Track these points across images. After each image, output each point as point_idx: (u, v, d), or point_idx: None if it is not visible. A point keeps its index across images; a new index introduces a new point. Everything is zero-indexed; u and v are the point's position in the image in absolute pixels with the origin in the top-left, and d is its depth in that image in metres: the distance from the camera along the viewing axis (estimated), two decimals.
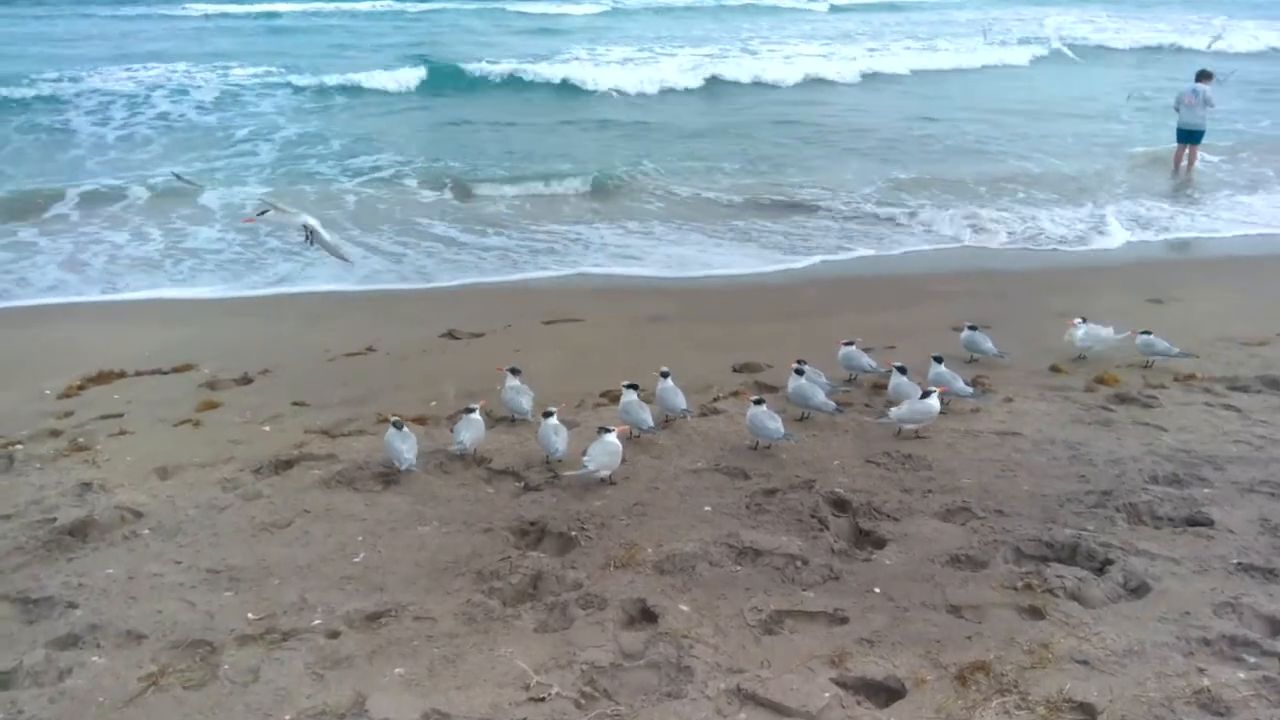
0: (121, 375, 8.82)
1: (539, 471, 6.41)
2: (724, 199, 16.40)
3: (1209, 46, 36.02)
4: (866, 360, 8.02)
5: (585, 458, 6.06)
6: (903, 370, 7.37)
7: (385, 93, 26.32)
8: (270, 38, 37.77)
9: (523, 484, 6.32)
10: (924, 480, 6.17)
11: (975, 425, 7.12)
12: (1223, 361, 8.46)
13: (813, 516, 5.65)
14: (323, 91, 25.89)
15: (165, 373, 8.90)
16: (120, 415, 7.82)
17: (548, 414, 6.65)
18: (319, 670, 4.36)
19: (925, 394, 7.00)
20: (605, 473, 6.13)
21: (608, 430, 6.23)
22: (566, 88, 27.46)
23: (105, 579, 5.21)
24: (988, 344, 8.52)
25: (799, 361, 7.61)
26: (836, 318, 10.45)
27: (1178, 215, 15.51)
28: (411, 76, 27.34)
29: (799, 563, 5.13)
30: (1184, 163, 18.22)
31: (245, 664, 4.41)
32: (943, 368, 7.49)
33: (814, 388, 7.25)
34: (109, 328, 10.43)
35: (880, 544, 5.37)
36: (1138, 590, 4.90)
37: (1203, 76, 18.06)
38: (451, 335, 9.90)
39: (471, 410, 6.83)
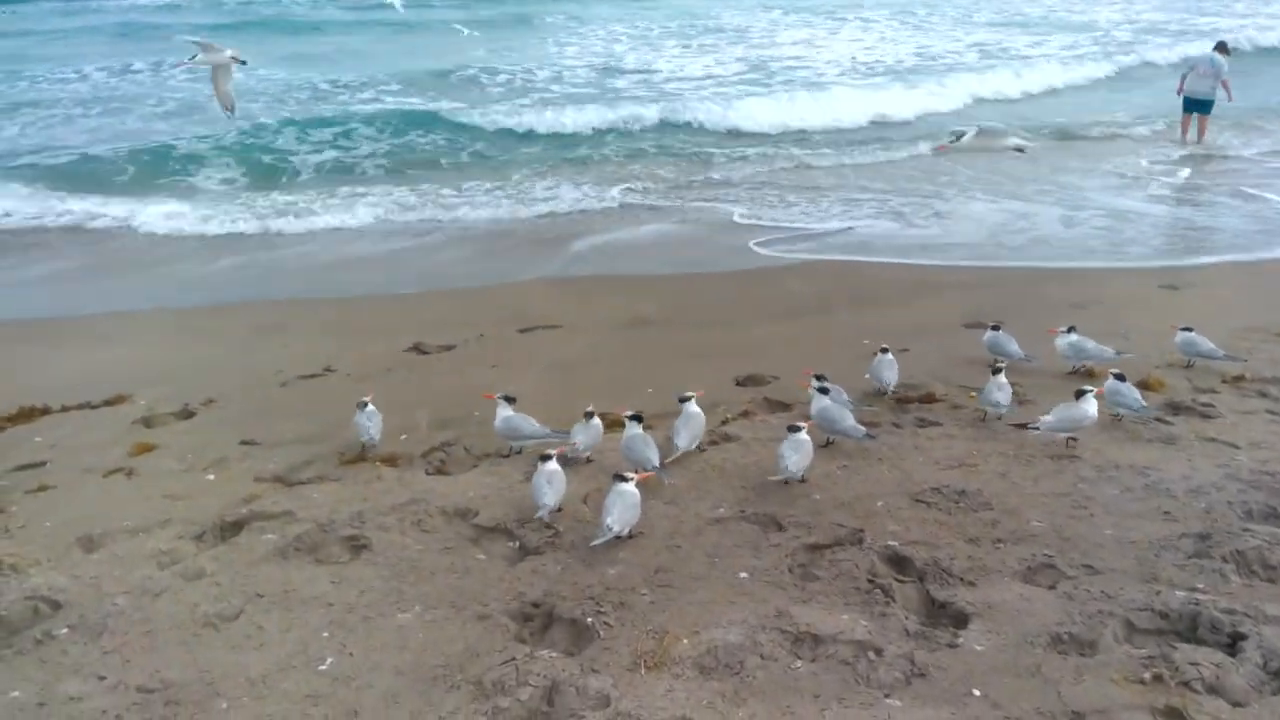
0: (45, 412, 7.52)
1: (536, 528, 5.27)
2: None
3: None
4: (891, 374, 6.97)
5: (608, 519, 4.91)
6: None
7: None
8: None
9: (518, 545, 5.18)
10: (988, 525, 5.13)
11: (1025, 447, 6.09)
12: (1265, 358, 7.52)
13: (872, 583, 4.58)
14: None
15: (95, 406, 7.62)
16: (42, 465, 6.56)
17: (545, 457, 5.53)
18: None
19: (1080, 393, 6.10)
20: (627, 530, 5.02)
21: (623, 478, 5.10)
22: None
23: (8, 707, 4.01)
24: (1013, 346, 7.50)
25: (818, 377, 6.54)
26: (836, 315, 9.42)
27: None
28: None
29: (872, 654, 4.06)
30: (1191, 133, 17.44)
31: None
32: (1002, 378, 6.52)
33: (842, 409, 6.18)
34: (29, 351, 9.06)
35: (962, 620, 4.31)
36: None
37: (1220, 48, 17.24)
38: (418, 349, 8.70)
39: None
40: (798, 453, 5.63)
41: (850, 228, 12.95)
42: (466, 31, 29.98)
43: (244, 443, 6.72)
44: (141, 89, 23.57)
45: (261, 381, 7.96)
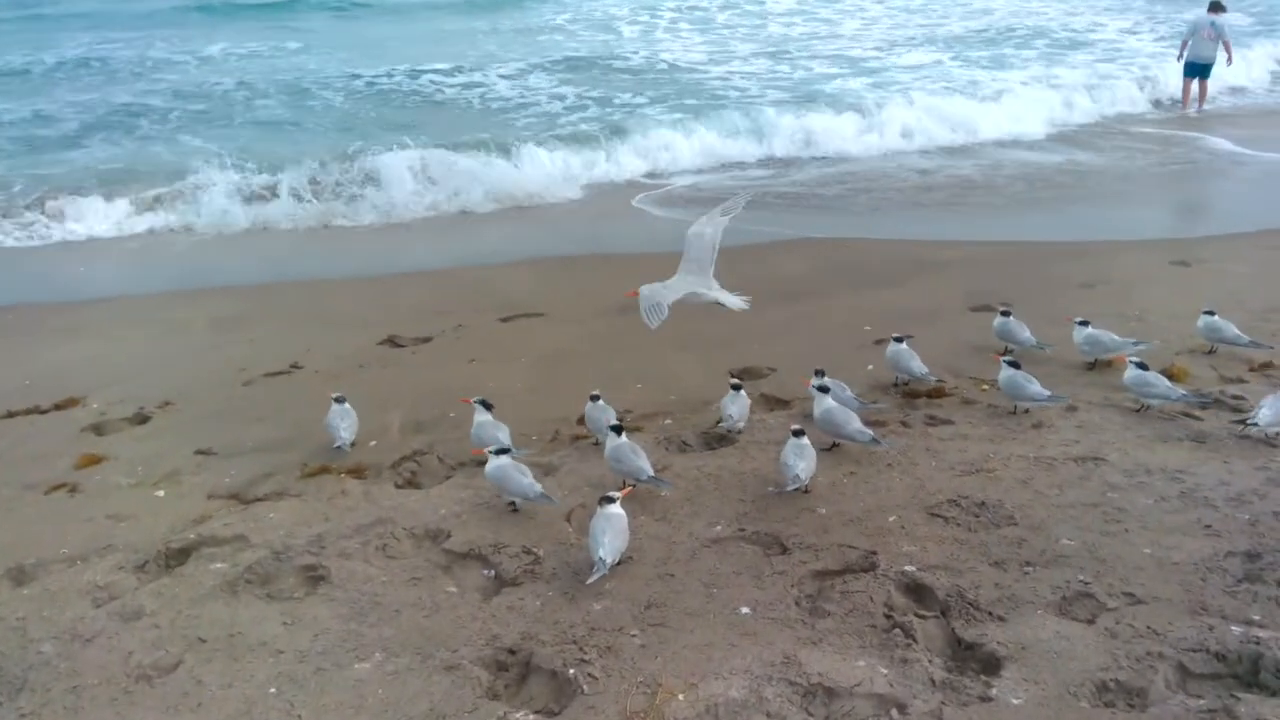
0: None
1: (514, 554, 4.69)
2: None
3: None
4: (917, 363, 6.37)
5: (600, 551, 4.31)
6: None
7: None
8: None
9: (493, 574, 4.60)
10: (1013, 544, 4.55)
11: (1045, 449, 5.52)
12: None
13: (889, 619, 4.01)
14: None
15: (44, 411, 7.00)
16: None
17: (502, 451, 5.14)
18: None
19: None
20: (617, 558, 4.44)
21: (610, 499, 4.51)
22: None
23: None
24: (1025, 334, 6.91)
25: (818, 373, 5.97)
26: (832, 298, 8.81)
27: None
28: None
29: (895, 711, 3.50)
30: (1193, 97, 16.77)
31: None
32: (1015, 370, 5.95)
33: (847, 411, 5.60)
34: None
35: (993, 665, 3.75)
36: None
37: (1216, 8, 16.51)
38: (393, 342, 8.07)
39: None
40: (804, 459, 5.06)
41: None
42: None
43: (199, 452, 6.11)
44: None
45: (223, 380, 7.33)
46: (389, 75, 20.35)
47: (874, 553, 4.50)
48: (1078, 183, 13.36)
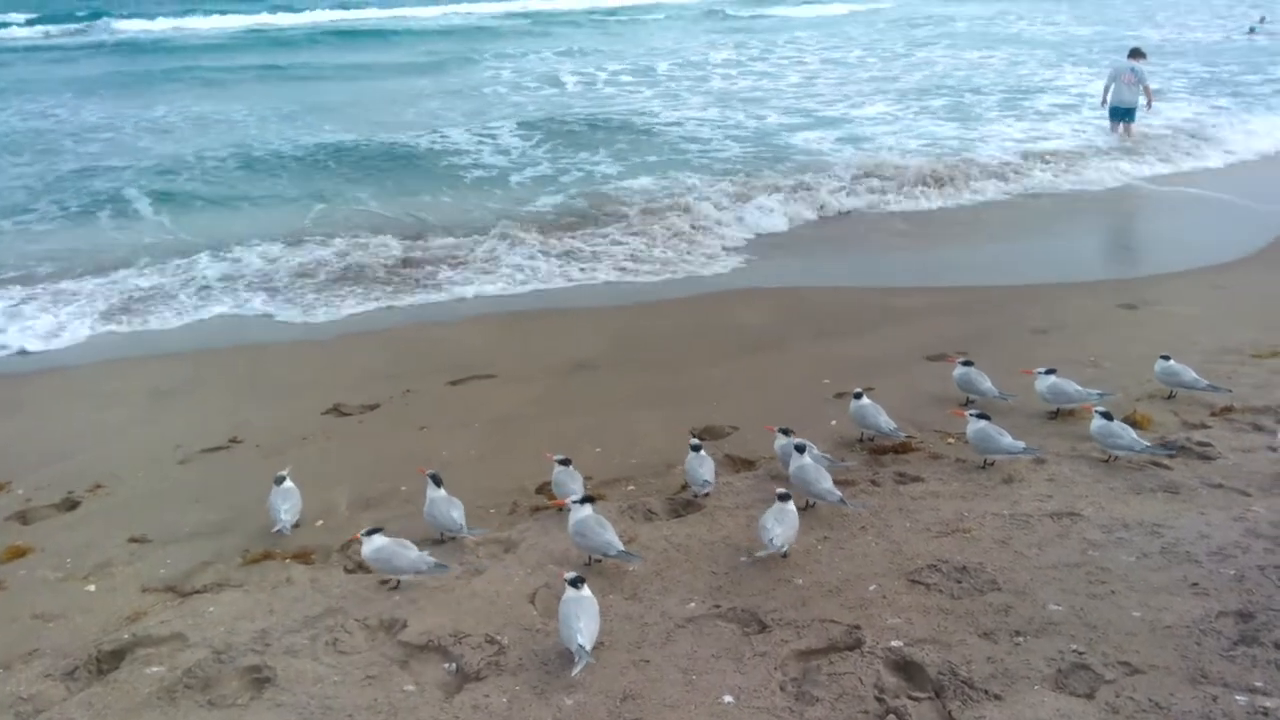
0: None
1: (476, 644, 4.35)
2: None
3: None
4: (884, 419, 6.18)
5: (579, 639, 4.00)
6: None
7: None
8: None
9: (455, 667, 4.26)
10: (1000, 611, 4.35)
11: (1019, 505, 5.36)
12: (1249, 385, 6.92)
13: (881, 703, 3.77)
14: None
15: None
16: None
17: (372, 531, 4.96)
18: None
19: None
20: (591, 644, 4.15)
21: (579, 581, 4.22)
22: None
23: None
24: (986, 384, 6.79)
25: (785, 431, 5.80)
26: (791, 350, 8.66)
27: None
28: None
29: None
30: (1120, 134, 17.14)
31: None
32: (985, 423, 5.81)
33: (819, 469, 5.40)
34: None
35: None
36: None
37: (1135, 54, 16.92)
38: (338, 410, 7.70)
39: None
40: (782, 524, 4.83)
41: None
42: None
43: (133, 540, 5.70)
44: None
45: (157, 458, 6.90)
46: (340, 138, 19.74)
47: (858, 627, 4.26)
48: (974, 219, 13.70)
